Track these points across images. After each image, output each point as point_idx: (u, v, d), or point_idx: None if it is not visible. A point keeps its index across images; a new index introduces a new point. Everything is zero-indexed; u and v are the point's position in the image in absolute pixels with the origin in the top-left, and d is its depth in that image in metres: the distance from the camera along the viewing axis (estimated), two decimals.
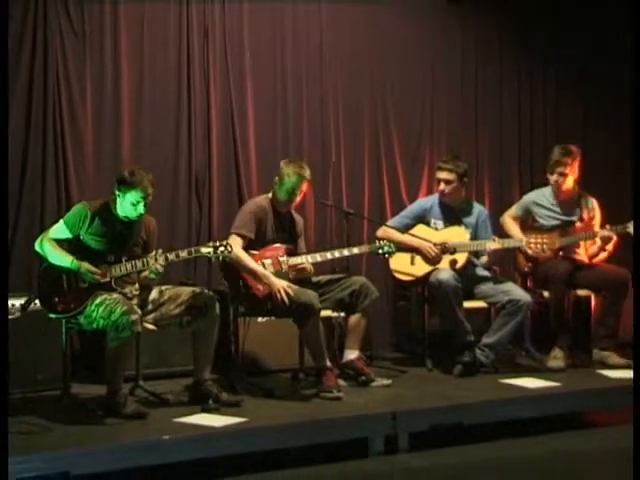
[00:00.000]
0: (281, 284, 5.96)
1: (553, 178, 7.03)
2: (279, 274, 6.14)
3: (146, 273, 5.59)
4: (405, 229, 6.86)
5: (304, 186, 6.31)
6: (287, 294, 5.89)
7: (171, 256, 5.53)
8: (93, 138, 6.86)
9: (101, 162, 6.84)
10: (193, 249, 5.66)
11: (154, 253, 5.51)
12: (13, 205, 6.55)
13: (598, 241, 6.95)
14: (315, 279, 6.35)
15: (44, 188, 6.69)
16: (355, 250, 6.48)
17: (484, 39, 8.26)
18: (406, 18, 7.98)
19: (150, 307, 5.70)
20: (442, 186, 6.87)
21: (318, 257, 6.32)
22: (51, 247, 5.53)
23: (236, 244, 6.01)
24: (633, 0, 6.79)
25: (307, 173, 6.27)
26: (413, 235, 6.78)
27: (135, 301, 5.61)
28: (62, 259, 5.48)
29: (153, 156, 6.76)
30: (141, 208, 5.57)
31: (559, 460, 5.34)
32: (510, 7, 8.28)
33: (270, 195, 6.39)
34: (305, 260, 6.28)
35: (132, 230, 5.70)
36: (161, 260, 5.47)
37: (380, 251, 6.46)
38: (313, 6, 7.62)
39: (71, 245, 5.56)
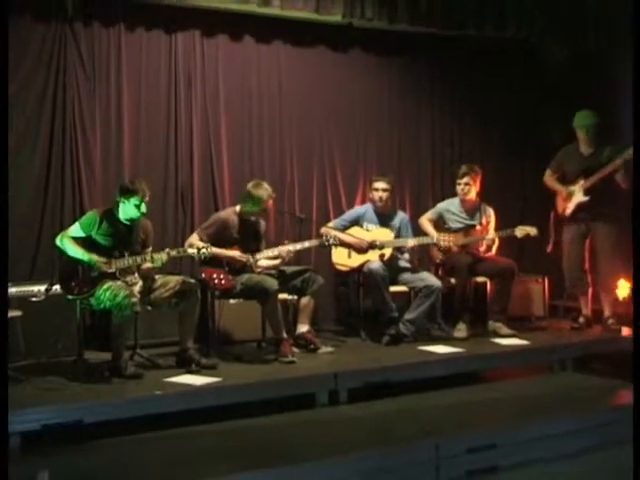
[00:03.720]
0: (237, 252, 6.14)
1: (460, 187, 7.07)
2: (247, 267, 6.19)
3: (149, 265, 5.58)
4: (343, 229, 6.92)
5: (267, 204, 6.34)
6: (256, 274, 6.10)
7: (173, 252, 5.62)
8: (101, 159, 6.81)
9: (107, 178, 6.79)
10: (182, 250, 5.74)
11: (166, 251, 5.59)
12: (39, 210, 6.58)
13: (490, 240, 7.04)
14: (275, 270, 6.38)
15: (63, 197, 6.67)
16: (307, 244, 6.50)
17: (406, 84, 8.26)
18: (347, 69, 7.96)
19: (146, 292, 5.70)
20: (380, 193, 6.89)
21: (276, 251, 6.32)
22: (69, 243, 5.50)
23: (194, 239, 6.20)
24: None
25: (269, 194, 6.28)
26: (348, 234, 6.84)
27: (137, 288, 5.59)
28: (77, 253, 5.46)
29: (148, 176, 6.64)
30: (143, 208, 5.60)
31: (461, 407, 5.41)
32: (426, 62, 8.33)
33: (238, 209, 6.39)
34: (266, 255, 6.31)
35: (132, 230, 5.69)
36: (165, 256, 5.54)
37: (326, 243, 6.49)
38: (273, 60, 7.61)
39: (85, 242, 5.53)
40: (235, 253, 6.17)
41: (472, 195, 7.09)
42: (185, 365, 5.61)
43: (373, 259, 6.72)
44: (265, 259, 6.33)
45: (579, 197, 6.99)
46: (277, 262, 6.36)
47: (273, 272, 6.33)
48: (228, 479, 4.05)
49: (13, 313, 5.48)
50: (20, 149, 6.51)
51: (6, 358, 4.18)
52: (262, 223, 6.55)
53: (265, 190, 6.27)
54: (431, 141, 8.42)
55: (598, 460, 4.90)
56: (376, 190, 6.96)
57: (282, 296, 6.34)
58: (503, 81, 8.58)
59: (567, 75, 8.40)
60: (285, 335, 6.06)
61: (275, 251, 6.32)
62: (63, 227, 5.92)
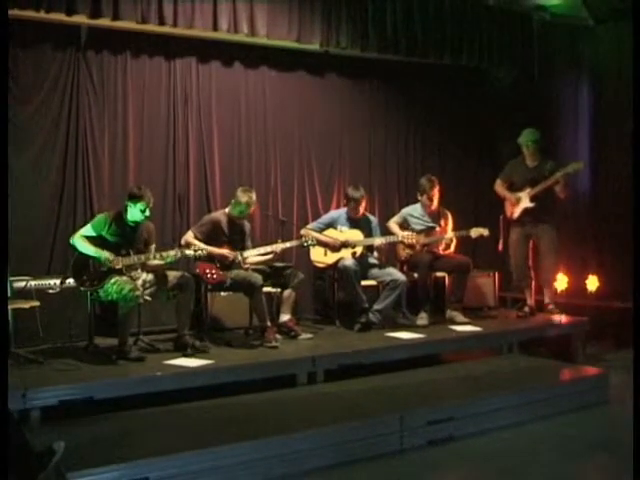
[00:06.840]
0: (228, 250, 6.15)
1: (423, 199, 7.14)
2: (236, 263, 6.21)
3: (159, 262, 5.62)
4: (320, 230, 6.95)
5: (252, 208, 6.38)
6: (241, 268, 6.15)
7: (172, 253, 5.63)
8: (109, 170, 6.81)
9: (114, 186, 6.79)
10: (180, 251, 5.74)
11: (174, 251, 5.64)
12: (55, 214, 6.57)
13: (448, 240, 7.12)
14: (262, 267, 6.41)
15: (75, 203, 6.65)
16: (288, 244, 6.51)
17: (375, 104, 8.32)
18: (324, 91, 8.00)
19: (148, 285, 5.71)
20: (351, 203, 6.90)
21: (262, 250, 6.35)
22: (81, 242, 5.51)
23: (189, 236, 6.24)
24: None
25: (254, 200, 6.32)
26: (324, 235, 6.88)
27: (140, 282, 5.60)
28: (89, 250, 5.48)
29: (150, 182, 6.68)
30: (147, 212, 5.63)
31: (423, 385, 5.47)
32: (392, 85, 8.38)
33: (227, 210, 6.43)
34: (257, 252, 6.34)
35: (137, 231, 5.72)
36: (177, 253, 5.61)
37: (305, 244, 6.54)
38: (259, 83, 7.63)
39: (95, 241, 5.54)
40: (225, 251, 6.21)
41: (435, 206, 7.17)
42: (182, 349, 5.64)
43: (346, 257, 6.77)
44: (257, 255, 6.35)
45: (525, 203, 7.08)
46: (269, 257, 6.39)
47: (259, 267, 6.38)
48: (221, 448, 4.08)
49: (32, 303, 5.49)
50: (39, 161, 6.50)
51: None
52: (247, 225, 6.58)
53: (250, 197, 6.32)
54: (397, 154, 8.49)
55: (540, 429, 5.01)
56: (348, 200, 7.00)
57: (267, 289, 6.37)
58: (459, 101, 8.69)
59: (513, 97, 8.55)
60: (269, 323, 6.08)
61: (268, 248, 6.34)
62: (76, 229, 5.91)
